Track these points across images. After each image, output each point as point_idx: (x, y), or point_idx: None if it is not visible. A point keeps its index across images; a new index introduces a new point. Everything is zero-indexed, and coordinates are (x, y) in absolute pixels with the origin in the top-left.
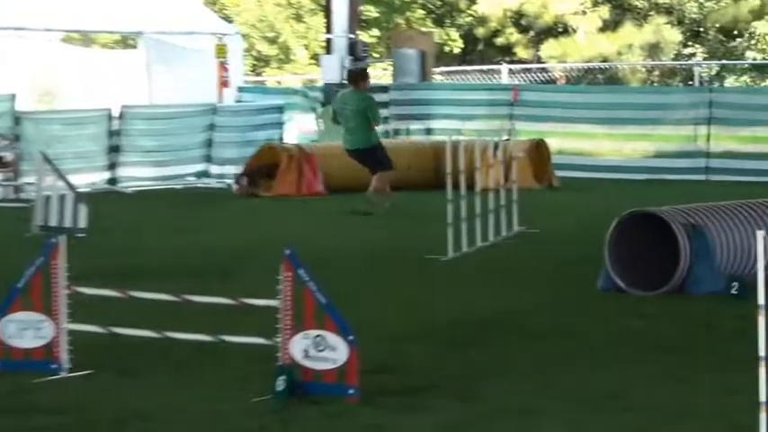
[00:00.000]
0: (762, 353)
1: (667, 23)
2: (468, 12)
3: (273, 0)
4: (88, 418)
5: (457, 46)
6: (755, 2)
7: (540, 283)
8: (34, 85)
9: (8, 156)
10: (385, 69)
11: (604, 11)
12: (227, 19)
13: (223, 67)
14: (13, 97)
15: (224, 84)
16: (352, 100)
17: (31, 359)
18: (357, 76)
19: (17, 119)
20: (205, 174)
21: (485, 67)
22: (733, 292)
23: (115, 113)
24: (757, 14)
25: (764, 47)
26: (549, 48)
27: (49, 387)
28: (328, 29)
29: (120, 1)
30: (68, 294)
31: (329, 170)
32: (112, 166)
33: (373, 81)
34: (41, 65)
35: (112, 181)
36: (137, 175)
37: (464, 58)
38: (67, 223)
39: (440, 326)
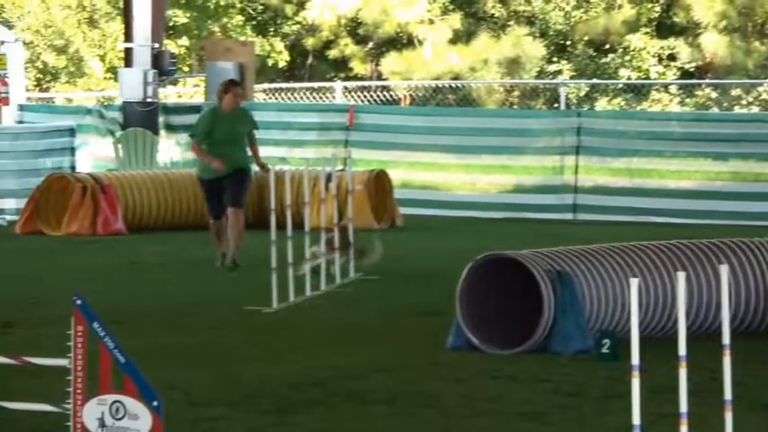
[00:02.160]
0: (636, 421)
1: (529, 35)
2: (296, 19)
3: (61, 2)
4: None
5: (283, 59)
6: (629, 12)
7: (381, 339)
8: None
9: None
10: (197, 86)
11: (455, 20)
12: (7, 24)
13: (1, 81)
14: None
15: (2, 101)
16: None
17: None
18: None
19: None
20: None
21: (315, 85)
22: (604, 350)
23: None
24: (632, 26)
25: (640, 64)
26: (390, 62)
27: None
28: (128, 37)
29: None
30: None
31: (130, 205)
32: None
33: (183, 99)
34: None
35: None
36: None
37: (291, 73)
38: None
39: (261, 389)
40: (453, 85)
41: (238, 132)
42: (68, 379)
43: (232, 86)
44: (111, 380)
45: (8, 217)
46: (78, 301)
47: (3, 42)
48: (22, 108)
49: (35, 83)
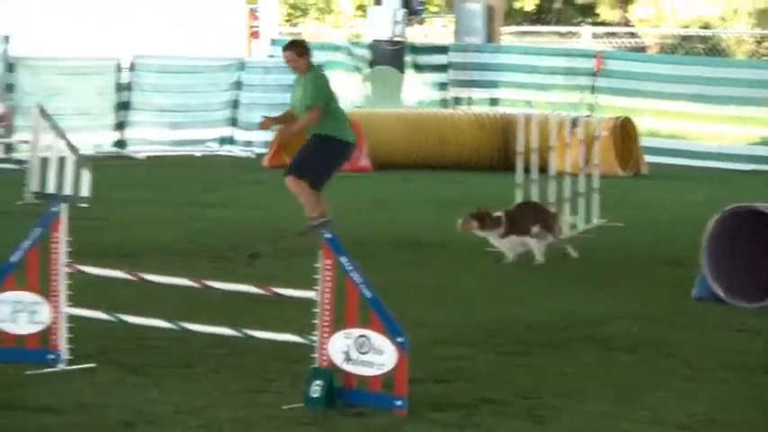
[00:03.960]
0: None
1: None
2: None
3: None
4: (88, 419)
5: (531, 2)
6: None
7: (622, 286)
8: (32, 26)
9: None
10: (444, 27)
11: None
12: None
13: (253, 14)
14: (5, 39)
15: (254, 35)
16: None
17: (24, 347)
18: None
19: (10, 65)
20: (229, 140)
21: (562, 29)
22: None
23: (125, 64)
24: None
25: None
26: (639, 9)
27: (44, 381)
28: None
29: None
30: (69, 273)
31: (376, 142)
32: (121, 126)
33: (430, 40)
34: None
35: (121, 143)
36: (149, 137)
37: (538, 17)
38: (68, 191)
39: (504, 330)
40: (702, 35)
41: (297, 99)
42: (315, 311)
43: (283, 50)
44: (356, 314)
45: (256, 149)
46: (327, 235)
47: None
48: (273, 42)
49: (285, 18)
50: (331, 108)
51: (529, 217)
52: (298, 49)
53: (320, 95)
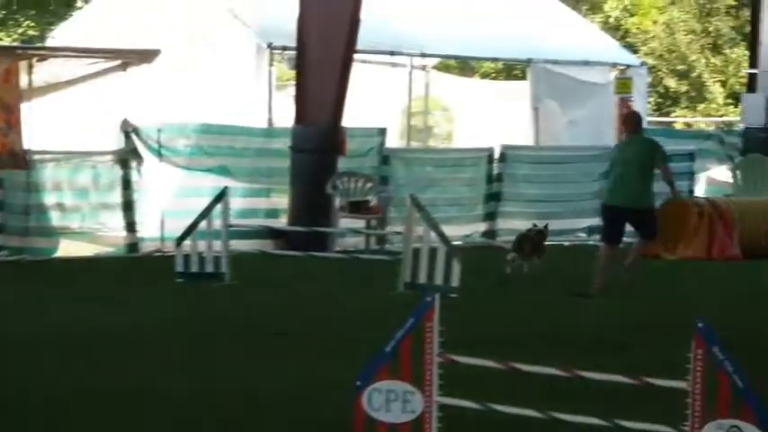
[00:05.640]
0: None
1: None
2: None
3: (686, 27)
4: None
5: None
6: None
7: None
8: (405, 118)
9: (373, 200)
10: None
11: None
12: (631, 48)
13: (625, 104)
14: (382, 132)
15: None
16: (631, 147)
17: None
18: (639, 119)
19: (385, 157)
20: (598, 229)
21: None
22: None
23: (495, 154)
24: None
25: None
26: None
27: None
28: (753, 63)
29: (506, 25)
30: (441, 363)
31: (747, 231)
32: (491, 217)
33: None
34: (414, 96)
35: (490, 234)
36: (518, 227)
37: None
38: (438, 281)
39: None
40: None
41: None
42: (686, 401)
43: None
44: (729, 404)
45: (626, 239)
46: (700, 325)
47: (627, 66)
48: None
49: (655, 107)
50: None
51: None
52: None
53: None
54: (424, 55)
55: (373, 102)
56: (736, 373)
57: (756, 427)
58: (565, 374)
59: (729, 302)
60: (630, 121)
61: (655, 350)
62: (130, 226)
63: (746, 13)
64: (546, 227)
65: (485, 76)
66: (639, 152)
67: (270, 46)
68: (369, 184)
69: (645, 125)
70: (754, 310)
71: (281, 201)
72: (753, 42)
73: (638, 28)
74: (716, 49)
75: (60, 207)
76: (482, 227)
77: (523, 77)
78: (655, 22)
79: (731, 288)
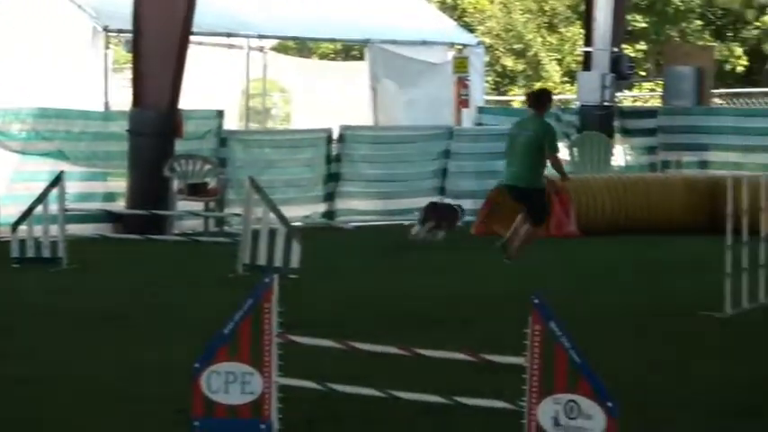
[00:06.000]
0: None
1: None
2: (756, 24)
3: (522, 6)
4: None
5: (741, 64)
6: None
7: None
8: (243, 100)
9: (211, 182)
10: (653, 90)
11: None
12: (468, 28)
13: (462, 83)
14: (219, 114)
15: (462, 103)
16: (529, 125)
17: (236, 417)
18: (545, 98)
19: (223, 139)
20: None
21: None
22: None
23: (334, 135)
24: None
25: None
26: None
27: None
28: (588, 41)
29: (344, 6)
30: (279, 344)
31: (584, 208)
32: (330, 197)
33: (639, 103)
34: (252, 78)
35: (330, 214)
36: (358, 208)
37: (749, 78)
38: (278, 262)
39: (715, 393)
40: None
41: None
42: (524, 377)
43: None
44: (566, 379)
45: (465, 217)
46: (536, 301)
47: (465, 46)
48: (480, 111)
49: (493, 86)
50: None
51: None
52: None
53: None
54: (261, 37)
55: (211, 84)
56: (572, 348)
57: (593, 401)
58: (404, 353)
59: (567, 279)
60: (533, 98)
61: (494, 327)
62: None
63: None
64: (459, 206)
65: (323, 56)
66: (531, 133)
67: (106, 29)
68: (207, 167)
69: (483, 104)
70: (591, 285)
71: (119, 184)
72: (588, 21)
73: (474, 7)
74: (552, 27)
75: None
76: (321, 207)
77: (362, 58)
78: (491, 2)
79: (568, 264)
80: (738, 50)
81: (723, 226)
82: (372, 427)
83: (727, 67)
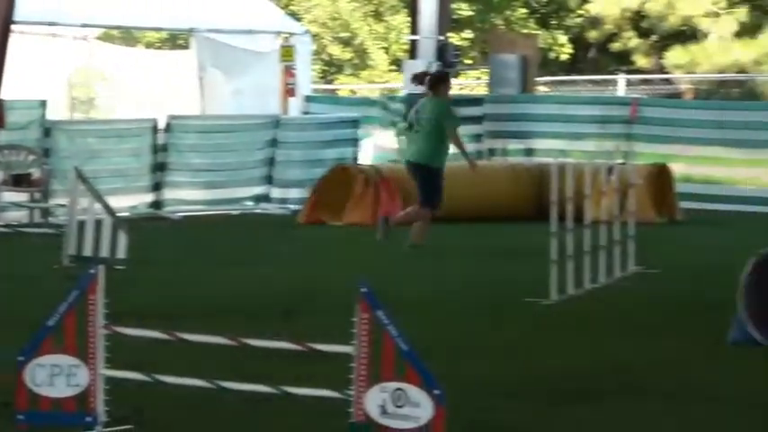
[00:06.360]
0: None
1: None
2: (580, 12)
3: None
4: None
5: (565, 52)
6: None
7: (660, 332)
8: (68, 90)
9: (36, 173)
10: (479, 78)
11: (742, 13)
12: (295, 16)
13: (289, 72)
14: (43, 104)
15: (289, 92)
16: (427, 107)
17: (61, 410)
18: (437, 80)
19: (47, 129)
20: (265, 198)
21: (598, 78)
22: None
23: (161, 125)
24: None
25: None
26: (674, 55)
27: None
28: (413, 29)
29: None
30: (106, 335)
31: (411, 196)
32: (157, 187)
33: (466, 91)
34: (76, 67)
35: (157, 204)
36: (185, 197)
37: (573, 66)
38: (104, 253)
39: (542, 380)
40: (738, 79)
41: None
42: (351, 366)
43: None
44: (393, 367)
45: (291, 206)
46: (364, 289)
47: (291, 34)
48: (308, 99)
49: (320, 75)
50: None
51: None
52: None
53: None
54: (85, 26)
55: (35, 74)
56: (399, 336)
57: (420, 389)
58: (231, 343)
59: (394, 266)
60: (431, 81)
61: (322, 316)
62: None
63: None
64: None
65: (149, 45)
66: (429, 113)
67: None
68: (31, 157)
69: (310, 92)
70: (418, 272)
71: None
72: (413, 9)
73: None
74: (378, 16)
75: None
76: (148, 198)
77: (188, 47)
78: None
79: (396, 252)
80: (562, 39)
81: (548, 213)
82: (200, 417)
83: (552, 55)
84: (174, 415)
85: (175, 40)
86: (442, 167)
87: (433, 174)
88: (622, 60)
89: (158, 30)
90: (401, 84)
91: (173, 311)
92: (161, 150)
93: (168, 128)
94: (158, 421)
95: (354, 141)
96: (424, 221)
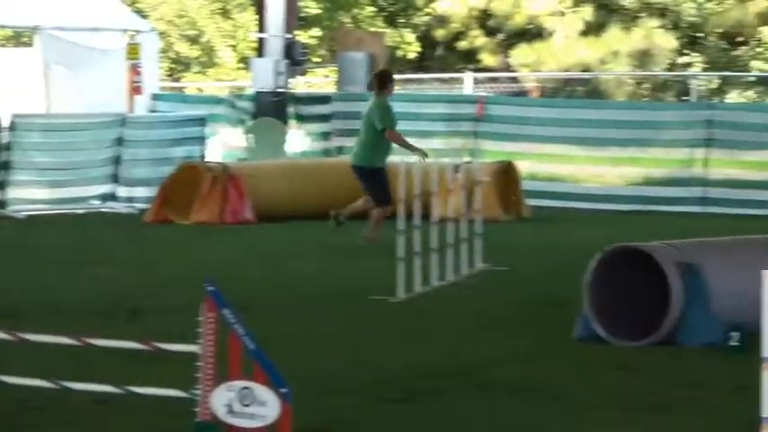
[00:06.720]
0: (764, 413)
1: (660, 28)
2: (427, 10)
3: None
4: None
5: (412, 50)
6: (763, 4)
7: (506, 329)
8: None
9: None
10: (327, 76)
11: (587, 12)
12: (141, 14)
13: (135, 70)
14: None
15: (135, 90)
16: (369, 107)
17: None
18: (381, 80)
19: None
20: (111, 197)
21: (445, 76)
22: (732, 343)
23: (5, 124)
24: (765, 19)
25: None
26: (520, 54)
27: None
28: (261, 27)
29: None
30: None
31: (259, 194)
32: (1, 186)
33: (313, 90)
34: None
35: (1, 204)
36: (30, 196)
37: (420, 64)
38: None
39: (388, 378)
40: (583, 78)
41: None
42: (197, 365)
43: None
44: (240, 366)
45: (138, 205)
46: (210, 288)
47: (137, 32)
48: (154, 97)
49: (167, 73)
50: None
51: None
52: None
53: None
54: None
55: None
56: (246, 335)
57: (267, 388)
58: (75, 343)
59: (243, 265)
60: (373, 80)
61: (168, 316)
62: None
63: None
64: None
65: None
66: (368, 113)
67: None
68: None
69: (158, 90)
70: (266, 271)
71: None
72: (260, 7)
73: None
74: (225, 13)
75: None
76: None
77: (32, 45)
78: None
79: (242, 251)
80: (410, 37)
81: (395, 211)
82: (46, 418)
83: (400, 53)
84: (19, 416)
85: (19, 37)
86: (384, 166)
87: (376, 173)
88: (469, 59)
89: (2, 27)
90: (249, 82)
91: (18, 311)
92: (5, 149)
93: (12, 126)
94: (2, 422)
95: (202, 139)
96: (377, 220)
